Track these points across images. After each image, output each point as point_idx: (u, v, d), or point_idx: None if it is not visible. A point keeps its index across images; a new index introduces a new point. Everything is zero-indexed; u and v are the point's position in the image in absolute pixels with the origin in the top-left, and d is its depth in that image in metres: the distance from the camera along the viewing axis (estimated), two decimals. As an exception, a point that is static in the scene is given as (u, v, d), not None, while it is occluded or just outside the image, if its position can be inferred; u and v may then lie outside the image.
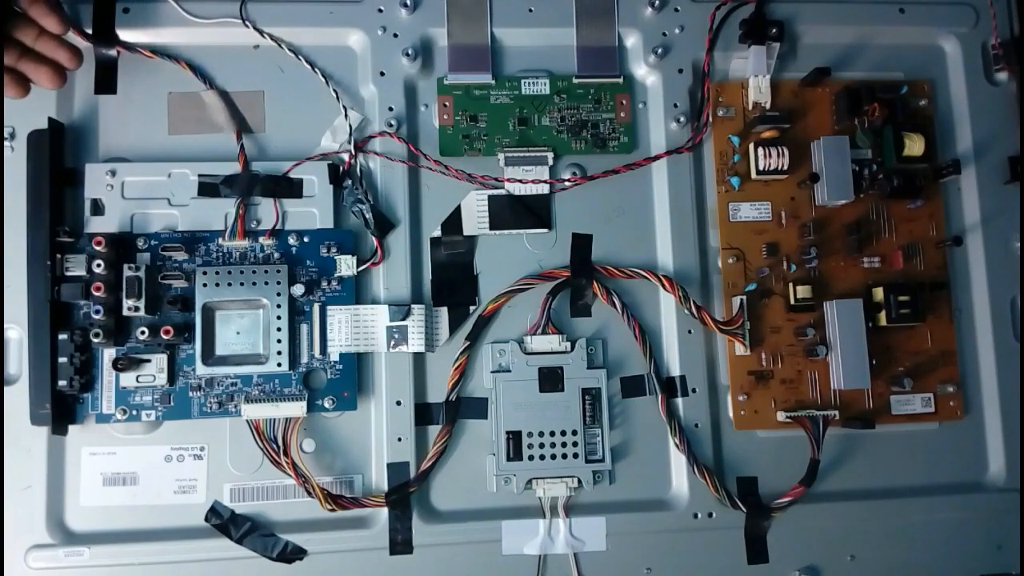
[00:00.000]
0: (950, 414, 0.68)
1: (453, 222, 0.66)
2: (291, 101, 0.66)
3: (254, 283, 0.61)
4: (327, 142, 0.66)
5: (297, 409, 0.60)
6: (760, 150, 0.66)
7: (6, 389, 0.60)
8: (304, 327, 0.62)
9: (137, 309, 0.59)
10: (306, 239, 0.63)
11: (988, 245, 0.70)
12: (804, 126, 0.69)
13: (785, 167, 0.66)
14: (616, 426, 0.65)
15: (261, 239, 0.63)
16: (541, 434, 0.63)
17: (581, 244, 0.67)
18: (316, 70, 0.66)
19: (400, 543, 0.62)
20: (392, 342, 0.62)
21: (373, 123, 0.66)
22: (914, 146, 0.67)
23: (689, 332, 0.66)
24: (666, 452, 0.66)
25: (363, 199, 0.64)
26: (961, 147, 0.72)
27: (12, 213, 0.61)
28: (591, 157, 0.68)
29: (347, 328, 0.62)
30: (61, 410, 0.60)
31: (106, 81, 0.64)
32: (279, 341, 0.61)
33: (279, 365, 0.61)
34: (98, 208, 0.62)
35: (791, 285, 0.66)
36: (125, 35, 0.65)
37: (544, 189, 0.67)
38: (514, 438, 0.63)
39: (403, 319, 0.63)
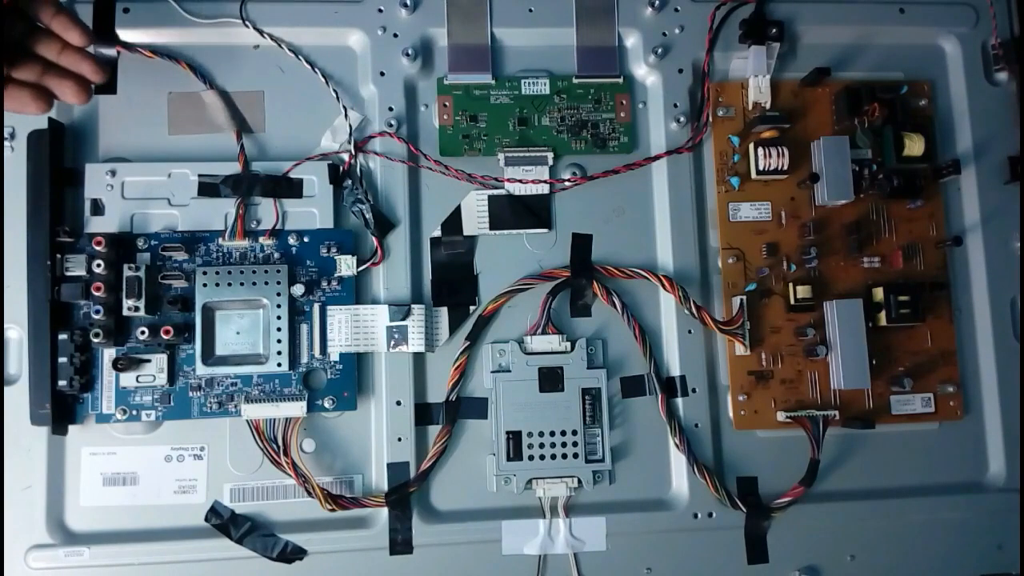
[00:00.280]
0: (950, 414, 0.68)
1: (453, 222, 0.66)
2: (291, 101, 0.67)
3: (254, 283, 0.61)
4: (327, 142, 0.66)
5: (297, 409, 0.60)
6: (760, 150, 0.66)
7: (6, 389, 0.60)
8: (304, 327, 0.62)
9: (137, 309, 0.59)
10: (306, 239, 0.63)
11: (988, 245, 0.70)
12: (804, 126, 0.69)
13: (785, 167, 0.66)
14: (616, 426, 0.65)
15: (261, 239, 0.63)
16: (541, 434, 0.63)
17: (581, 244, 0.67)
18: (316, 70, 0.66)
19: (400, 543, 0.62)
20: (392, 342, 0.62)
21: (373, 123, 0.66)
22: (914, 146, 0.67)
23: (689, 332, 0.66)
24: (666, 452, 0.66)
25: (363, 199, 0.64)
26: (961, 147, 0.72)
27: (12, 213, 0.61)
28: (591, 157, 0.68)
29: (347, 328, 0.62)
30: (61, 410, 0.60)
31: (106, 81, 0.64)
32: (279, 341, 0.61)
33: (279, 365, 0.61)
34: (98, 208, 0.62)
35: (791, 285, 0.66)
36: (125, 35, 0.65)
37: (544, 189, 0.67)
38: (514, 438, 0.63)
39: (403, 319, 0.63)
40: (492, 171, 0.66)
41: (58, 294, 0.59)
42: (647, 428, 0.66)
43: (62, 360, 0.59)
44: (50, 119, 0.61)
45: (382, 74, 0.67)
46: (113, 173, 0.62)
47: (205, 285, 0.61)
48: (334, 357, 0.62)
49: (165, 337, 0.59)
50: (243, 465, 0.62)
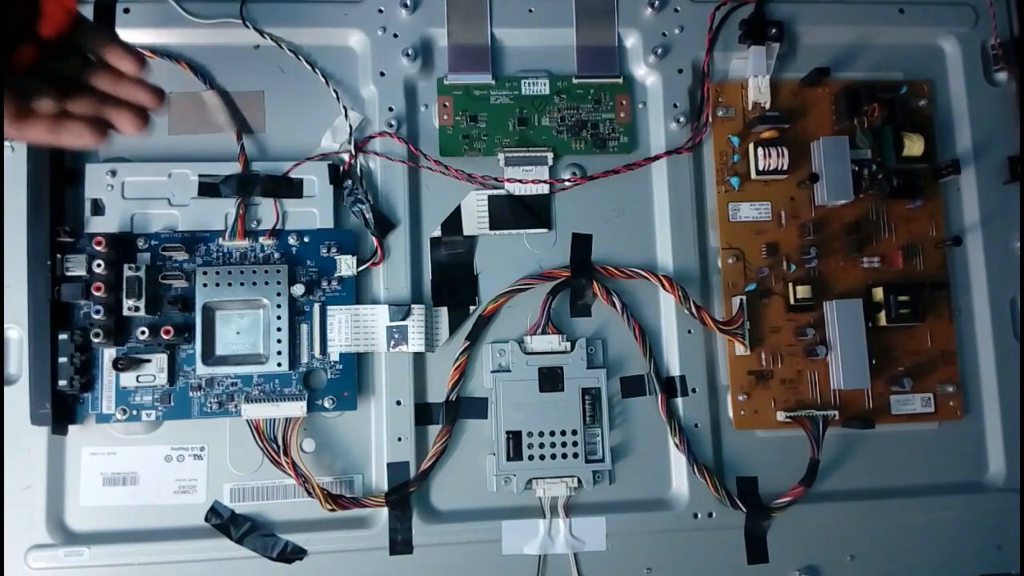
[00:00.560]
0: (950, 414, 0.68)
1: (453, 222, 0.66)
2: (291, 101, 0.67)
3: (254, 283, 0.61)
4: (327, 142, 0.66)
5: (297, 409, 0.60)
6: (760, 150, 0.66)
7: (6, 389, 0.60)
8: (304, 327, 0.62)
9: (137, 309, 0.59)
10: (306, 239, 0.63)
11: (987, 245, 0.70)
12: (804, 126, 0.69)
13: (785, 167, 0.66)
14: (616, 426, 0.65)
15: (261, 239, 0.63)
16: (541, 434, 0.63)
17: (581, 244, 0.67)
18: (316, 70, 0.66)
19: (400, 543, 0.62)
20: (392, 342, 0.63)
21: (373, 123, 0.67)
22: (914, 146, 0.67)
23: (689, 332, 0.66)
24: (666, 452, 0.66)
25: (363, 199, 0.64)
26: (960, 147, 0.72)
27: (12, 213, 0.61)
28: (591, 157, 0.68)
29: (347, 328, 0.62)
30: (61, 410, 0.60)
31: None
32: (279, 341, 0.61)
33: (279, 365, 0.61)
34: (98, 208, 0.63)
35: (791, 285, 0.66)
36: (125, 35, 0.64)
37: (544, 189, 0.67)
38: (514, 438, 0.63)
39: (403, 319, 0.63)
40: (492, 171, 0.66)
41: (58, 294, 0.59)
42: (647, 428, 0.66)
43: (62, 360, 0.59)
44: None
45: (382, 74, 0.67)
46: (113, 173, 0.62)
47: (205, 285, 0.61)
48: (334, 357, 0.62)
49: (165, 337, 0.59)
50: (243, 465, 0.62)
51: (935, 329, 0.68)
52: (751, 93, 0.69)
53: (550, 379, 0.64)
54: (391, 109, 0.66)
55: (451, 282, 0.66)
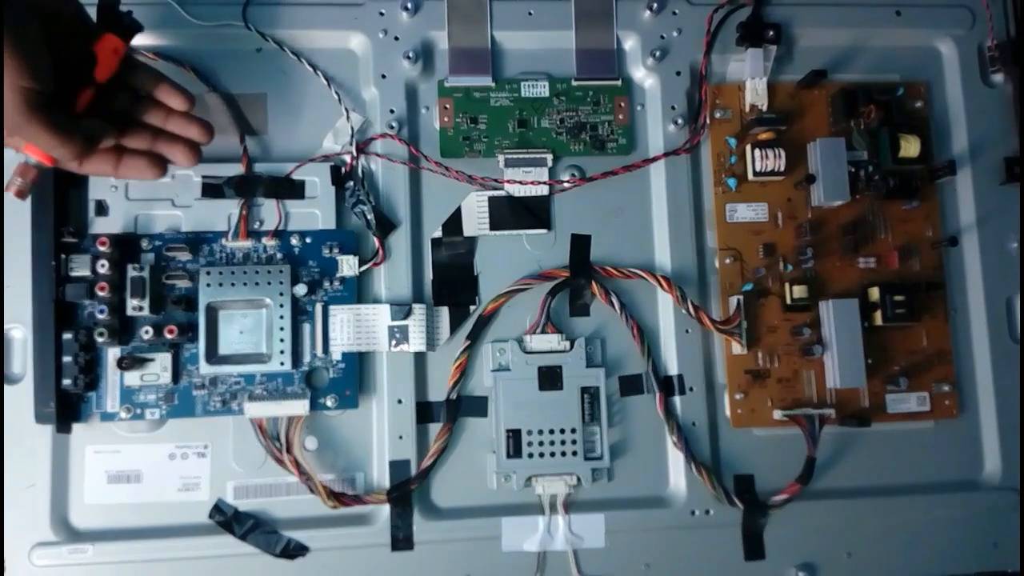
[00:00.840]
0: (945, 413, 0.68)
1: (453, 223, 0.67)
2: (293, 103, 0.67)
3: (257, 283, 0.62)
4: (329, 144, 0.67)
5: (300, 407, 0.61)
6: (757, 152, 0.66)
7: (11, 388, 0.61)
8: (306, 326, 0.63)
9: (141, 309, 0.60)
10: (308, 240, 0.64)
11: (983, 246, 0.71)
12: (801, 128, 0.69)
13: (782, 168, 0.66)
14: (614, 424, 0.66)
15: (264, 240, 0.63)
16: (540, 432, 0.64)
17: (580, 245, 0.68)
18: (318, 73, 0.67)
19: (401, 540, 0.62)
20: (393, 341, 0.63)
21: (374, 125, 0.67)
22: (910, 147, 0.67)
23: (687, 331, 0.67)
24: (664, 450, 0.66)
25: (365, 200, 0.65)
26: (957, 148, 0.72)
27: (17, 214, 0.61)
28: (590, 159, 0.69)
29: (349, 327, 0.63)
30: (65, 409, 0.60)
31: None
32: (282, 340, 0.61)
33: (282, 364, 0.61)
34: (102, 209, 0.63)
35: (787, 285, 0.67)
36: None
37: (543, 190, 0.67)
38: (514, 436, 0.64)
39: (404, 318, 0.63)
40: (492, 172, 0.67)
41: (62, 294, 0.60)
42: (645, 426, 0.66)
43: (66, 359, 0.59)
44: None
45: (383, 76, 0.67)
46: (117, 174, 0.63)
47: (208, 285, 0.61)
48: (336, 356, 0.63)
49: (169, 336, 0.60)
50: (246, 463, 0.63)
51: (931, 329, 0.68)
52: (748, 95, 0.69)
53: (549, 378, 0.65)
54: (392, 111, 0.67)
55: (452, 282, 0.66)
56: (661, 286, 0.65)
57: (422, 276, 0.66)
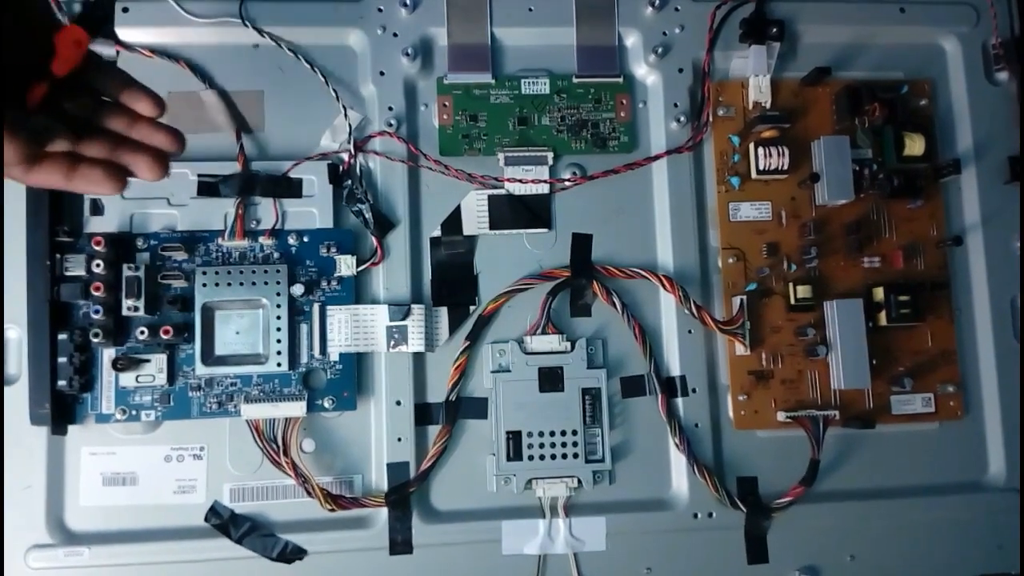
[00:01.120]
0: (950, 414, 0.68)
1: (453, 222, 0.66)
2: (291, 101, 0.66)
3: (254, 283, 0.61)
4: (327, 142, 0.66)
5: (297, 409, 0.60)
6: (760, 150, 0.66)
7: (6, 389, 0.60)
8: (304, 327, 0.62)
9: (137, 309, 0.59)
10: (306, 239, 0.63)
11: (988, 245, 0.70)
12: (804, 126, 0.69)
13: (785, 167, 0.66)
14: (616, 426, 0.65)
15: (261, 239, 0.63)
16: (541, 434, 0.63)
17: (581, 244, 0.67)
18: (316, 69, 0.66)
19: (400, 543, 0.62)
20: (392, 342, 0.62)
21: (373, 123, 0.66)
22: (914, 146, 0.67)
23: (689, 332, 0.66)
24: (666, 452, 0.66)
25: (363, 199, 0.64)
26: (961, 147, 0.72)
27: (11, 213, 0.61)
28: (591, 157, 0.68)
29: (347, 328, 0.62)
30: (61, 410, 0.60)
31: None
32: (279, 341, 0.61)
33: (279, 365, 0.61)
34: (97, 208, 0.63)
35: (791, 285, 0.66)
36: (124, 34, 0.65)
37: (544, 189, 0.67)
38: (514, 438, 0.63)
39: (403, 319, 0.63)
40: (492, 171, 0.66)
41: (58, 294, 0.59)
42: (647, 428, 0.66)
43: (62, 360, 0.59)
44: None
45: (382, 74, 0.67)
46: (112, 173, 0.62)
47: (205, 285, 0.61)
48: (334, 357, 0.62)
49: (164, 337, 0.59)
50: (243, 465, 0.62)
51: (935, 329, 0.68)
52: (752, 92, 0.68)
53: (550, 379, 0.64)
54: (391, 108, 0.66)
55: (451, 282, 0.66)
56: (663, 286, 0.65)
57: (421, 276, 0.66)
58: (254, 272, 0.61)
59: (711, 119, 0.68)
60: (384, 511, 0.62)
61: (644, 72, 0.70)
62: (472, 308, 0.66)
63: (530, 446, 0.63)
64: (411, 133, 0.67)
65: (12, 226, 0.61)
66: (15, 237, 0.60)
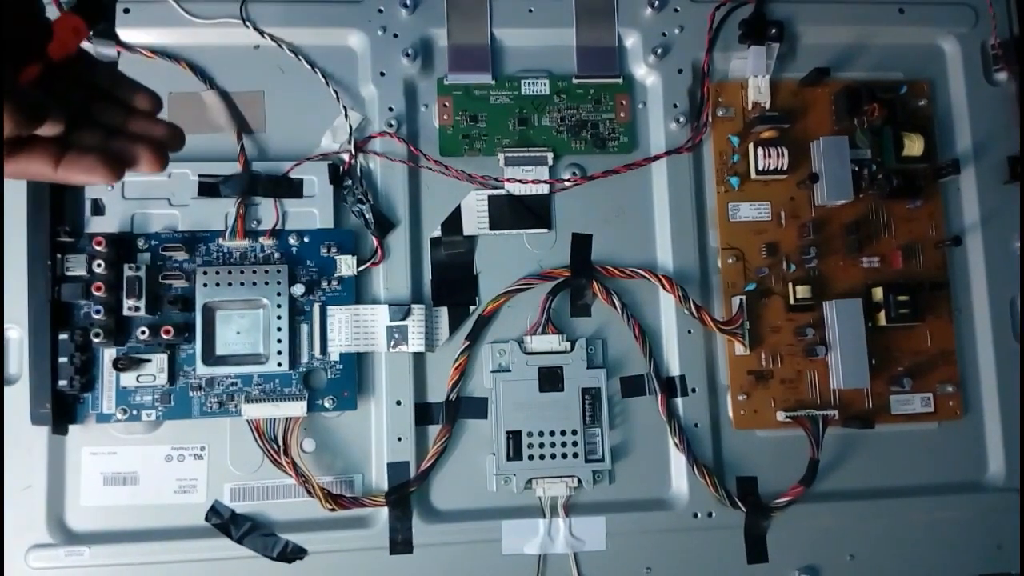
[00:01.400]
0: (949, 414, 0.68)
1: (453, 222, 0.66)
2: (291, 101, 0.67)
3: (254, 283, 0.61)
4: (327, 142, 0.66)
5: (297, 409, 0.60)
6: (760, 150, 0.66)
7: (6, 389, 0.60)
8: (304, 327, 0.62)
9: (137, 309, 0.59)
10: (306, 239, 0.63)
11: (987, 245, 0.70)
12: (804, 126, 0.69)
13: (785, 167, 0.66)
14: (616, 426, 0.65)
15: (261, 239, 0.63)
16: (541, 434, 0.63)
17: (581, 244, 0.67)
18: (316, 70, 0.66)
19: (400, 543, 0.62)
20: (392, 342, 0.63)
21: (373, 123, 0.67)
22: (913, 146, 0.67)
23: (689, 332, 0.66)
24: (666, 452, 0.66)
25: (363, 199, 0.64)
26: (960, 147, 0.72)
27: (12, 213, 0.61)
28: (591, 157, 0.68)
29: (347, 328, 0.62)
30: (61, 410, 0.60)
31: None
32: (279, 341, 0.61)
33: (279, 365, 0.61)
34: (98, 208, 0.63)
35: (790, 285, 0.66)
36: (125, 35, 0.65)
37: (544, 189, 0.67)
38: (514, 438, 0.63)
39: (403, 319, 0.63)
40: (492, 171, 0.66)
41: (59, 294, 0.59)
42: (647, 428, 0.66)
43: (62, 360, 0.59)
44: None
45: (382, 74, 0.67)
46: (113, 173, 0.62)
47: (205, 285, 0.61)
48: (334, 357, 0.62)
49: (165, 337, 0.59)
50: (243, 465, 0.62)
51: (935, 329, 0.68)
52: (751, 93, 0.69)
53: (550, 379, 0.64)
54: (391, 109, 0.66)
55: (451, 282, 0.66)
56: (663, 286, 0.65)
57: (421, 276, 0.66)
58: (255, 272, 0.61)
59: (710, 120, 0.68)
60: (384, 511, 0.62)
61: (644, 73, 0.70)
62: (472, 308, 0.66)
63: (530, 446, 0.63)
64: (411, 133, 0.67)
65: (13, 226, 0.61)
66: (16, 237, 0.60)
